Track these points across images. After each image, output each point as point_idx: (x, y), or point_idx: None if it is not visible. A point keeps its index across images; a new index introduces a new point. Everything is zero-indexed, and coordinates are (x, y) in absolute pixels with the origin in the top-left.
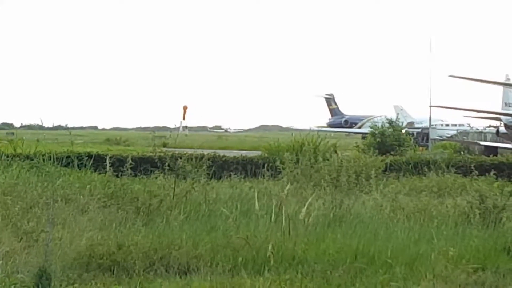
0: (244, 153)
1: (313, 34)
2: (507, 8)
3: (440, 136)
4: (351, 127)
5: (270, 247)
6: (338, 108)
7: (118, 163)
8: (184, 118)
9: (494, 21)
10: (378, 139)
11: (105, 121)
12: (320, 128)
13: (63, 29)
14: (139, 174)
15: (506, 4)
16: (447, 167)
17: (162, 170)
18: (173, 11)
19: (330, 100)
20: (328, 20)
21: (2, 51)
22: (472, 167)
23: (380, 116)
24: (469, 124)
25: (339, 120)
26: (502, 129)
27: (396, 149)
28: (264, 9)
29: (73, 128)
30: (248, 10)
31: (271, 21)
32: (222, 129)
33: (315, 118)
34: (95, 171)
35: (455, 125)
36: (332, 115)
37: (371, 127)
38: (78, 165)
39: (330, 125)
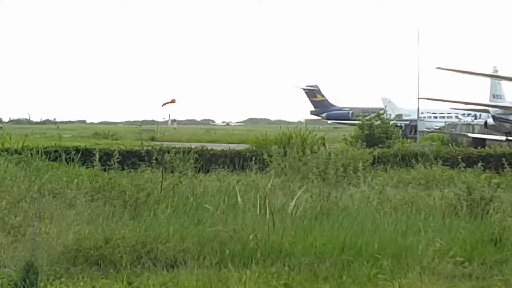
0: (232, 146)
1: (301, 26)
2: (495, 0)
3: (428, 128)
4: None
5: (251, 237)
6: (327, 99)
7: (106, 157)
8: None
9: (482, 13)
10: (366, 132)
11: (93, 115)
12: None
13: (50, 24)
14: (126, 168)
15: None
16: (435, 159)
17: (149, 164)
18: (160, 5)
19: (314, 92)
20: (315, 12)
21: None
22: (460, 159)
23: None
24: (457, 116)
25: (343, 113)
26: (490, 120)
27: (384, 141)
28: (251, 2)
29: (61, 122)
30: (236, 3)
31: (259, 14)
32: (224, 122)
33: (303, 111)
34: (83, 165)
35: (443, 117)
36: (315, 107)
37: (356, 120)
38: (66, 159)
39: (329, 117)
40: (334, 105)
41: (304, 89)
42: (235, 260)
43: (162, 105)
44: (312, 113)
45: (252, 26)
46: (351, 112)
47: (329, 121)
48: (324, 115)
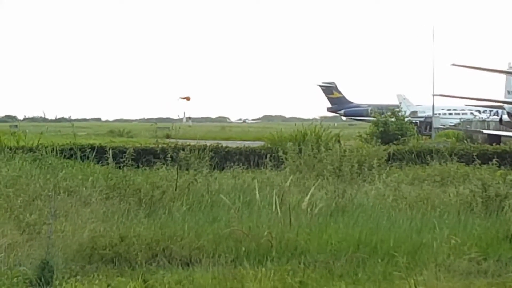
0: (247, 143)
1: (316, 24)
2: None
3: (443, 125)
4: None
5: (265, 233)
6: (344, 96)
7: (121, 155)
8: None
9: (497, 9)
10: (381, 129)
11: (109, 113)
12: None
13: (65, 22)
14: (141, 165)
15: None
16: (450, 156)
17: (164, 162)
18: (175, 2)
19: (331, 89)
20: (330, 9)
21: (5, 45)
22: (475, 156)
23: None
24: (472, 113)
25: (362, 109)
26: (506, 117)
27: (399, 138)
28: (264, 0)
29: (76, 120)
30: (251, 1)
31: (274, 11)
32: (240, 120)
33: (318, 108)
34: (97, 163)
35: (458, 113)
36: (332, 104)
37: (375, 117)
38: (81, 157)
39: (348, 114)
40: (351, 102)
41: (321, 86)
42: (250, 258)
43: (178, 99)
44: (329, 110)
45: (267, 23)
46: (369, 109)
47: (344, 118)
48: (342, 111)
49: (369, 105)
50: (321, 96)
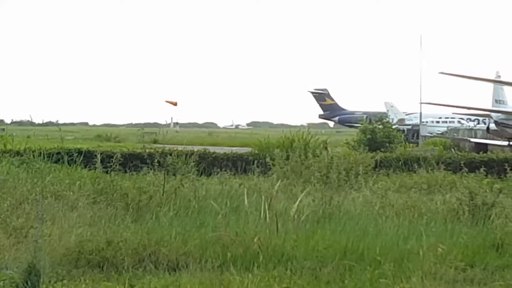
0: (234, 149)
1: (304, 30)
2: (498, 6)
3: (431, 133)
4: None
5: (256, 239)
6: (336, 103)
7: (108, 160)
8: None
9: (485, 18)
10: (368, 136)
11: (96, 118)
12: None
13: (53, 25)
14: (128, 170)
15: (497, 1)
16: (437, 163)
17: (151, 167)
18: (165, 7)
19: (323, 96)
20: (319, 16)
21: None
22: (462, 164)
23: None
24: (459, 121)
25: (357, 117)
26: (493, 126)
27: (386, 145)
28: (255, 5)
29: (64, 124)
30: (239, 6)
31: (262, 17)
32: (232, 125)
33: (306, 114)
34: (85, 167)
35: (446, 121)
36: (324, 111)
37: (361, 123)
38: (68, 161)
39: (342, 121)
40: (344, 109)
41: (313, 93)
42: (237, 264)
43: (164, 102)
44: (321, 116)
45: (254, 30)
46: (365, 116)
47: (331, 124)
48: (336, 119)
49: (364, 113)
50: (311, 103)
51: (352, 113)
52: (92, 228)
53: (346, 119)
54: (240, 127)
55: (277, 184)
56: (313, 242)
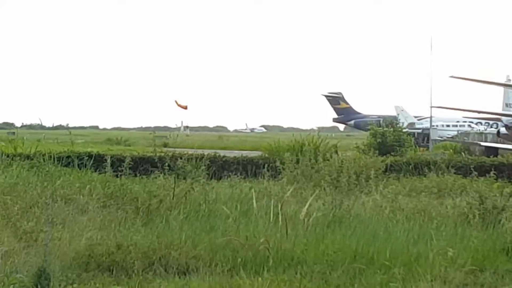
0: (244, 153)
1: (314, 34)
2: (509, 8)
3: (441, 137)
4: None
5: (262, 240)
6: (351, 107)
7: (118, 163)
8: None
9: (495, 21)
10: (378, 140)
11: (106, 121)
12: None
13: (63, 29)
14: (139, 174)
15: (508, 4)
16: (447, 167)
17: (162, 170)
18: (174, 10)
19: (337, 99)
20: (329, 20)
21: (2, 52)
22: (472, 168)
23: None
24: (469, 125)
25: (374, 120)
26: (503, 130)
27: (396, 149)
28: (265, 9)
29: (74, 128)
30: (250, 9)
31: (273, 21)
32: (246, 128)
33: (316, 118)
34: (95, 171)
35: (456, 125)
36: (338, 114)
37: (371, 128)
38: (78, 165)
39: (358, 125)
40: (358, 113)
41: (327, 96)
42: (247, 267)
43: (175, 102)
44: (335, 120)
45: (264, 33)
46: (381, 120)
47: (342, 128)
48: (351, 122)
49: (380, 116)
50: (323, 106)
51: (367, 116)
52: (102, 232)
53: (360, 123)
54: (256, 130)
55: (290, 190)
56: (323, 246)
